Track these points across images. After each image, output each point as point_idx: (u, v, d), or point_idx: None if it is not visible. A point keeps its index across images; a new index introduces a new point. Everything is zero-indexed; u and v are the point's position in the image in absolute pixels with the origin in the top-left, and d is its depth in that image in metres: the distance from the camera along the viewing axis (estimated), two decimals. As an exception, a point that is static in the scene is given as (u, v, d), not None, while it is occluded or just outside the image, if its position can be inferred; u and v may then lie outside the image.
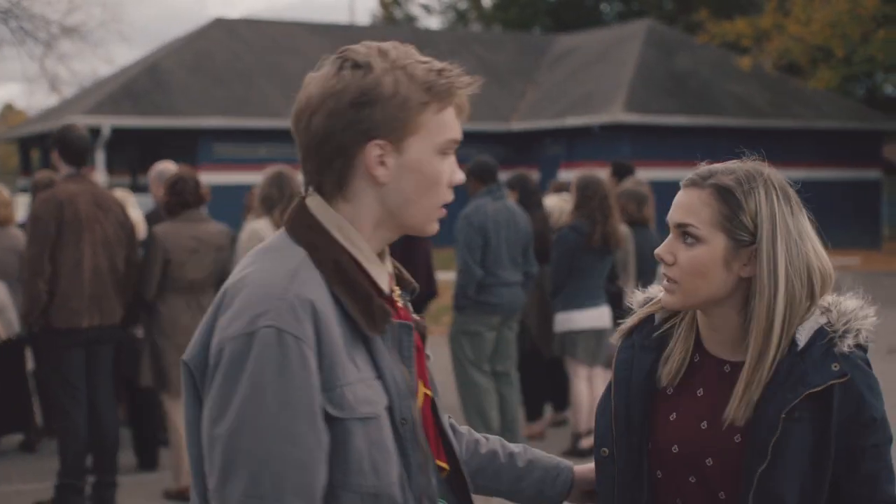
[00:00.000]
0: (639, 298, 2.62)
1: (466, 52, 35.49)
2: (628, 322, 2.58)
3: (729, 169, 2.43)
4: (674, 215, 2.43)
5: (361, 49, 2.12)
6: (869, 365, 2.36)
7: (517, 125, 32.28)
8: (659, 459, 2.44)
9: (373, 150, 2.08)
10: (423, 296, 10.02)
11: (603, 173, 9.31)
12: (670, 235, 2.43)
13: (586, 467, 2.60)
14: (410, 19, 57.42)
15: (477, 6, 55.54)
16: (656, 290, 2.57)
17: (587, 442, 8.24)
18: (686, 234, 2.39)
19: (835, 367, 2.29)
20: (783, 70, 33.67)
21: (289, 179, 7.64)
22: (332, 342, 2.00)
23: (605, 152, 27.83)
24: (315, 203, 2.14)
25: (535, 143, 32.13)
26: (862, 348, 2.36)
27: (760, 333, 2.33)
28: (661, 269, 2.44)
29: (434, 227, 2.21)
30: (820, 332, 2.34)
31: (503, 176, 9.56)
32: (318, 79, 2.12)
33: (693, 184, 2.42)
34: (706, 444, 2.39)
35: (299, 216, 2.14)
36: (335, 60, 2.12)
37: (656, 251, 2.43)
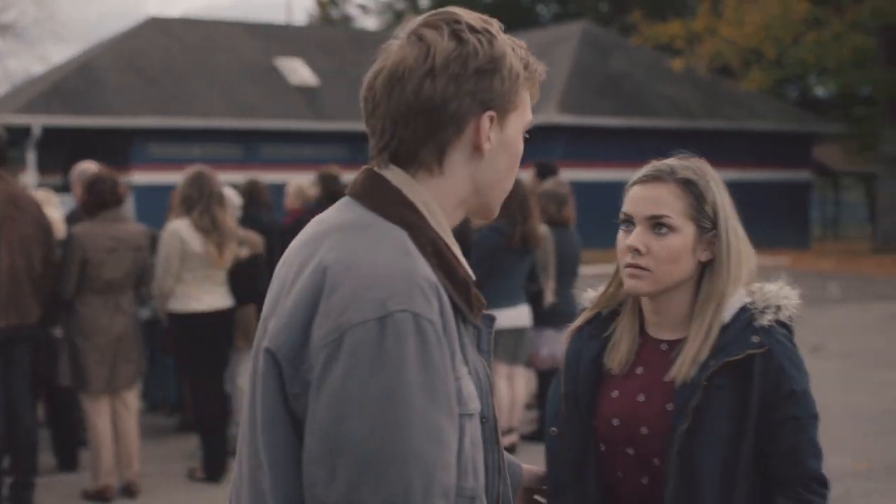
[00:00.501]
0: (590, 296, 2.80)
1: (402, 53, 35.55)
2: (579, 319, 2.76)
3: (683, 164, 2.63)
4: (645, 209, 2.57)
5: (464, 14, 1.95)
6: (792, 342, 2.54)
7: (451, 125, 32.39)
8: (602, 434, 2.61)
9: (485, 121, 1.92)
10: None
11: (526, 174, 9.40)
12: (638, 228, 2.57)
13: (534, 468, 2.68)
14: (347, 20, 57.39)
15: (414, 7, 55.60)
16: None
17: (507, 440, 8.31)
18: (660, 224, 2.55)
19: (755, 339, 2.49)
20: (716, 72, 34.04)
21: (208, 179, 7.68)
22: (451, 330, 1.83)
23: (538, 153, 27.93)
24: (397, 176, 1.93)
25: (470, 144, 32.27)
26: (784, 326, 2.55)
27: (712, 308, 2.55)
28: (628, 259, 2.58)
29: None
30: (743, 309, 2.54)
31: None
32: (422, 44, 1.92)
33: (657, 179, 2.59)
34: (642, 414, 2.56)
35: (384, 191, 1.92)
36: (438, 26, 1.93)
37: (629, 242, 2.58)
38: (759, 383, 2.46)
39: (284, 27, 37.34)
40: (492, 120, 1.93)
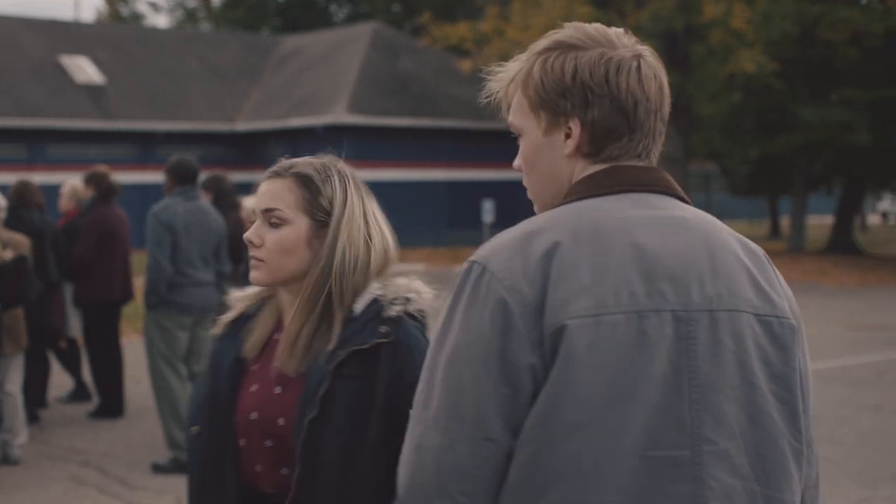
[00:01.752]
0: (238, 294, 2.82)
1: (192, 52, 35.18)
2: (226, 316, 2.79)
3: (308, 161, 2.72)
4: (260, 202, 2.65)
5: None
6: (423, 334, 2.65)
7: (242, 126, 32.25)
8: (242, 429, 2.64)
9: None
10: (119, 298, 10.02)
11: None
12: (257, 221, 2.65)
13: None
14: (137, 17, 56.37)
15: (206, 5, 55.00)
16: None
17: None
18: (273, 217, 2.62)
19: (382, 329, 2.56)
20: (504, 73, 34.68)
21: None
22: None
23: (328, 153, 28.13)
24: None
25: (261, 144, 32.18)
26: (415, 318, 2.65)
27: (308, 297, 2.62)
28: (250, 252, 2.66)
29: None
30: (374, 301, 2.62)
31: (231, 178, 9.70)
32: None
33: (276, 174, 2.66)
34: (278, 405, 2.60)
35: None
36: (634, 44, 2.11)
37: (245, 235, 2.69)
38: (384, 373, 2.53)
39: (70, 24, 36.43)
40: None
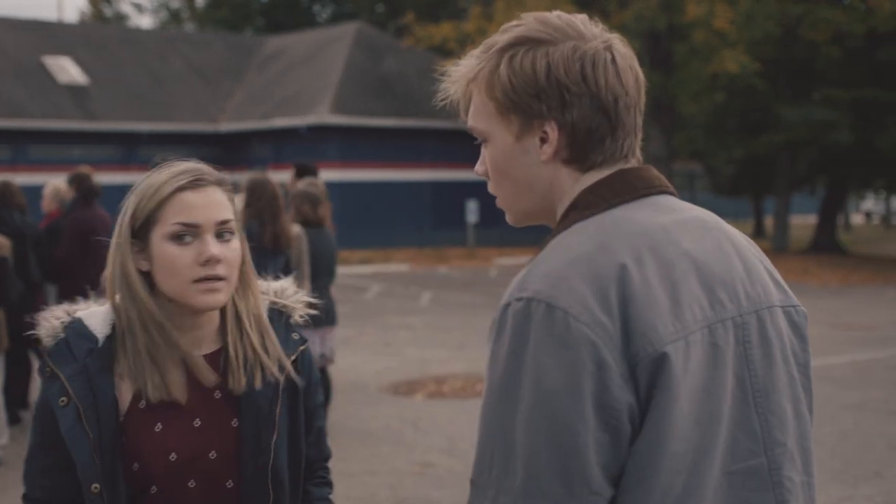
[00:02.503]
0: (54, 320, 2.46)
1: (175, 53, 35.11)
2: (68, 356, 2.41)
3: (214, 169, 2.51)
4: (211, 215, 2.38)
5: None
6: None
7: (225, 126, 32.20)
8: (154, 474, 2.37)
9: None
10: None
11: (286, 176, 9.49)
12: (209, 236, 2.37)
13: None
14: (121, 18, 56.24)
15: (190, 5, 54.91)
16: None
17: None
18: (227, 231, 2.40)
19: (295, 337, 2.56)
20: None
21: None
22: None
23: (312, 153, 28.13)
24: None
25: (245, 145, 32.14)
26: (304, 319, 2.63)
27: (236, 311, 2.50)
28: (213, 272, 2.38)
29: None
30: (273, 311, 2.56)
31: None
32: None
33: (215, 182, 2.41)
34: (205, 438, 2.41)
35: None
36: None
37: (214, 252, 2.40)
38: (303, 376, 2.55)
39: (53, 24, 36.31)
40: None
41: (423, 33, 32.99)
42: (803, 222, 46.37)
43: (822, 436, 8.92)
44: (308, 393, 2.56)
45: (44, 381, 2.38)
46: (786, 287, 2.00)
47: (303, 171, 10.39)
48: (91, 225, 9.80)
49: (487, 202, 32.13)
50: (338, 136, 29.62)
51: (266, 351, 2.48)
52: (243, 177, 9.30)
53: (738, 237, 1.97)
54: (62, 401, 2.34)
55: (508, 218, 2.04)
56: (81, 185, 9.92)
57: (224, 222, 2.39)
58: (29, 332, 2.49)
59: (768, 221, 43.28)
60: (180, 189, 2.37)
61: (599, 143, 1.88)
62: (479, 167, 2.01)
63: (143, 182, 2.41)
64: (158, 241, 2.36)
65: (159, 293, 2.39)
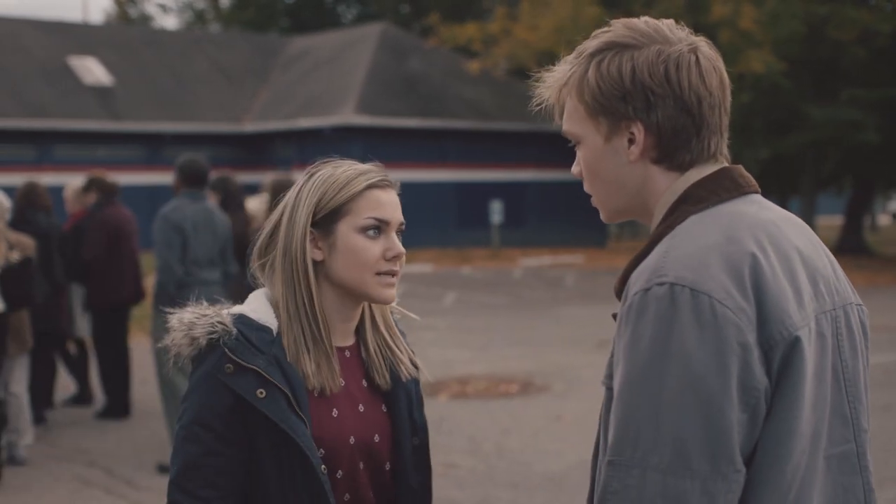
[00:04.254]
0: (251, 317, 2.46)
1: (200, 53, 35.22)
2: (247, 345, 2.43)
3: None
4: (397, 214, 2.51)
5: None
6: None
7: (250, 127, 32.27)
8: (339, 459, 2.45)
9: None
10: (130, 299, 10.04)
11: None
12: (392, 234, 2.49)
13: None
14: (146, 19, 56.47)
15: (215, 6, 55.06)
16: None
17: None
18: (402, 231, 2.55)
19: (404, 333, 2.69)
20: (513, 74, 34.75)
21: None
22: None
23: (336, 154, 28.04)
24: None
25: (269, 145, 32.20)
26: None
27: (368, 319, 2.61)
28: (396, 267, 2.49)
29: None
30: None
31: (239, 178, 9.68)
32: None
33: (389, 184, 2.53)
34: (371, 422, 2.51)
35: None
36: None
37: (399, 249, 2.50)
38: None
39: (78, 25, 36.48)
40: None
41: (447, 34, 33.03)
42: (829, 223, 46.10)
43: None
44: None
45: (222, 379, 2.35)
46: (851, 285, 2.10)
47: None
48: (117, 224, 9.84)
49: (511, 203, 32.12)
50: (362, 136, 29.65)
51: (398, 347, 2.59)
52: (267, 177, 9.33)
53: (818, 237, 2.09)
54: (260, 392, 2.33)
55: (602, 215, 2.15)
56: (101, 187, 9.97)
57: (403, 223, 2.52)
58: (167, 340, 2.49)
59: (794, 222, 43.04)
60: (372, 186, 2.47)
61: (686, 143, 1.98)
62: (574, 168, 2.14)
63: (318, 175, 2.49)
64: (347, 231, 2.45)
65: (324, 284, 2.47)
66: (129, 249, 9.94)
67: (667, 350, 1.78)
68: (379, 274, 2.46)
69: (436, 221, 31.32)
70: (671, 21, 2.04)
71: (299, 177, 2.55)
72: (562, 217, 32.36)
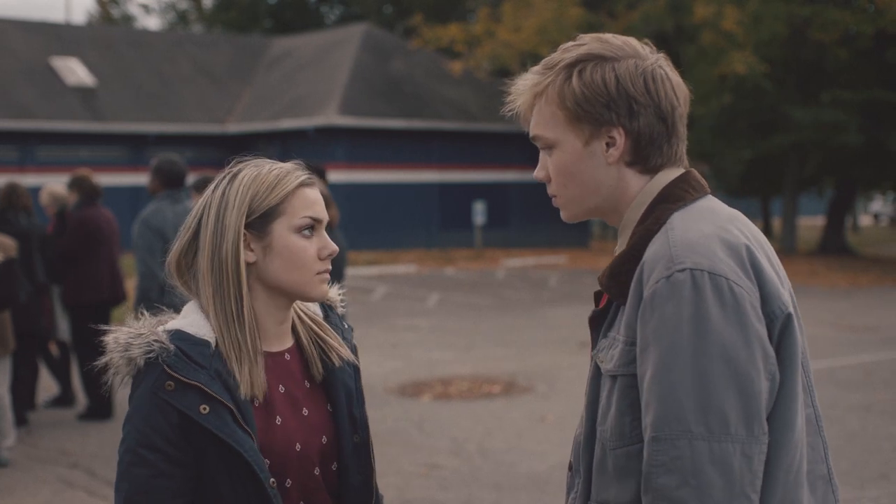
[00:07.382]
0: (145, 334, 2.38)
1: (182, 54, 35.14)
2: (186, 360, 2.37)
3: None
4: (325, 212, 2.47)
5: None
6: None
7: (233, 127, 32.21)
8: (287, 468, 2.41)
9: None
10: (109, 300, 10.00)
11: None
12: (323, 233, 2.45)
13: None
14: (129, 19, 56.33)
15: (198, 7, 54.96)
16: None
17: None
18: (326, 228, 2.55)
19: (346, 325, 2.66)
20: (496, 75, 34.76)
21: None
22: None
23: (320, 155, 28.10)
24: None
25: (252, 146, 32.15)
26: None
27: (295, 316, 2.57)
28: (326, 267, 2.45)
29: None
30: (321, 306, 2.63)
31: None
32: None
33: (315, 182, 2.48)
34: (315, 425, 2.47)
35: None
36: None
37: (332, 248, 2.44)
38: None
39: (60, 26, 36.31)
40: None
41: (430, 35, 33.02)
42: (811, 223, 46.32)
43: (829, 437, 8.89)
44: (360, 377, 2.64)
45: (164, 397, 2.29)
46: None
47: (312, 173, 10.29)
48: (96, 223, 9.81)
49: (494, 203, 32.14)
50: (345, 137, 29.62)
51: (326, 334, 2.55)
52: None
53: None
54: (203, 408, 2.28)
55: (566, 215, 2.33)
56: (83, 187, 9.95)
57: (326, 220, 2.47)
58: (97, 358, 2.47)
59: (776, 222, 43.24)
60: (302, 184, 2.41)
61: (658, 148, 2.19)
62: (539, 172, 2.31)
63: (244, 176, 2.41)
64: (283, 232, 2.38)
65: (256, 286, 2.41)
66: (108, 251, 9.91)
67: (698, 329, 1.98)
68: (318, 273, 2.41)
69: (419, 222, 31.32)
70: (634, 39, 2.23)
71: (216, 178, 2.49)
72: (545, 218, 32.37)
